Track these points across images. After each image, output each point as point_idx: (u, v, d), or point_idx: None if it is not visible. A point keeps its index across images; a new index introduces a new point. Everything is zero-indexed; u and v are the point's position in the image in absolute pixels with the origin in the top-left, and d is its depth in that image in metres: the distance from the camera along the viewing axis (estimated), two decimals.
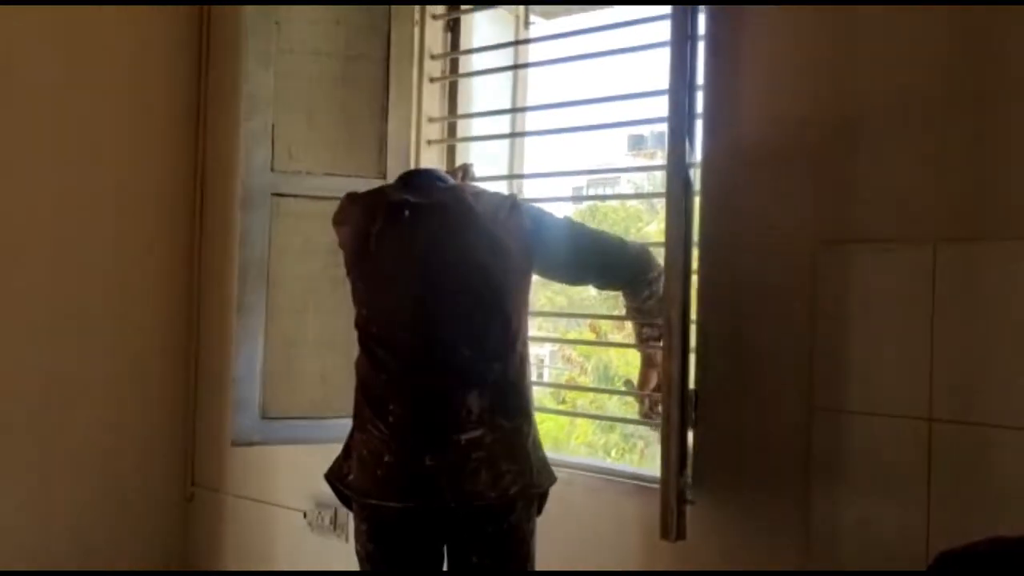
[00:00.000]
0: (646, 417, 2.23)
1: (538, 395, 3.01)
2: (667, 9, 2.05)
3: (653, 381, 2.17)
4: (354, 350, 2.04)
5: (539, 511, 1.96)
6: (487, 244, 1.89)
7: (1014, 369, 1.71)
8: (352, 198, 2.07)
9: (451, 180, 2.09)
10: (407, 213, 1.92)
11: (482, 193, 2.01)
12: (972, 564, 0.75)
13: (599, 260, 2.10)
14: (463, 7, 2.71)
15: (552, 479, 1.96)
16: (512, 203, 1.97)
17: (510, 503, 1.85)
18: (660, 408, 2.08)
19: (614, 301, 3.26)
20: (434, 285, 1.89)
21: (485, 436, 1.83)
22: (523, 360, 1.94)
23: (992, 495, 1.73)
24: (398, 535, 1.91)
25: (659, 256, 2.11)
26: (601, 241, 2.14)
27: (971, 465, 1.76)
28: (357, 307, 2.01)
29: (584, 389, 3.46)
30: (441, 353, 1.87)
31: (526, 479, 1.86)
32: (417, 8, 2.67)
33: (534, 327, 2.49)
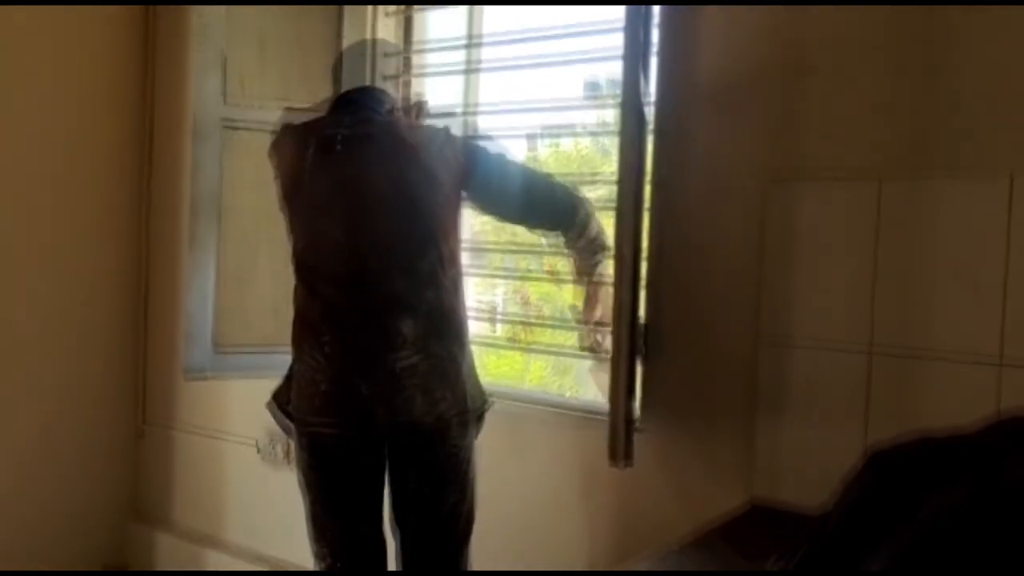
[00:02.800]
0: (590, 350, 2.25)
1: (491, 336, 3.03)
2: None
3: (598, 313, 2.20)
4: None
5: (476, 433, 2.01)
6: (418, 174, 1.93)
7: (952, 302, 1.77)
8: (285, 130, 2.08)
9: (388, 102, 2.10)
10: (339, 146, 1.94)
11: (416, 126, 2.07)
12: (898, 460, 0.79)
13: (525, 199, 2.08)
14: None
15: (486, 402, 2.00)
16: (446, 135, 2.01)
17: (445, 427, 1.89)
18: (607, 343, 2.14)
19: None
20: (366, 216, 1.90)
21: (420, 363, 1.87)
22: (456, 287, 1.97)
23: (926, 424, 1.79)
24: (338, 461, 1.95)
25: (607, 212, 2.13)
26: (530, 180, 2.12)
27: (908, 395, 1.82)
28: (292, 240, 2.03)
29: (530, 323, 3.50)
30: (374, 283, 1.89)
31: (461, 404, 1.91)
32: None
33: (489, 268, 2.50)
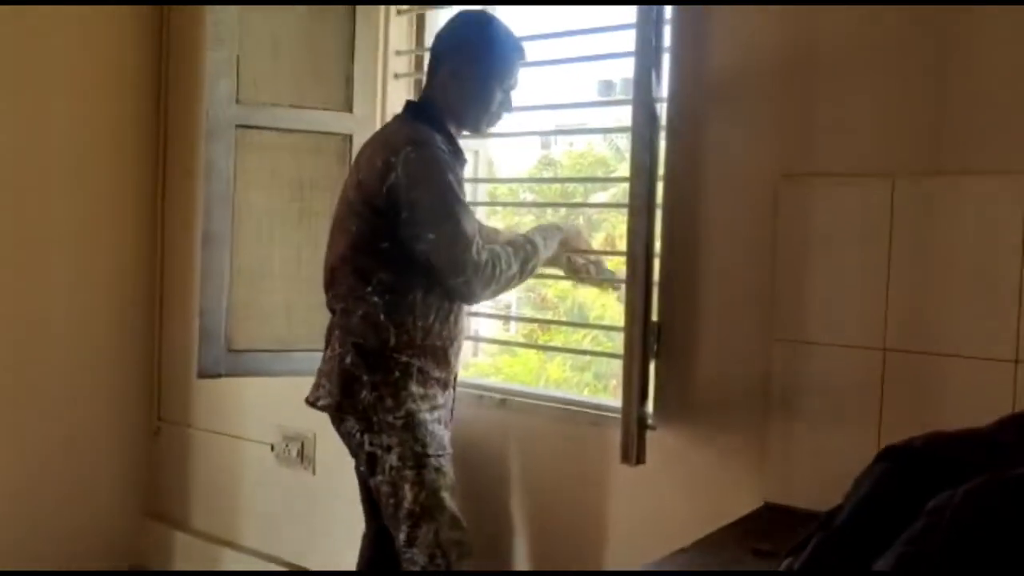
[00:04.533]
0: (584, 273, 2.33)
1: (509, 335, 3.02)
2: None
3: (582, 245, 2.35)
4: (318, 282, 2.19)
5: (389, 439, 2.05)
6: (360, 204, 2.06)
7: (966, 300, 1.75)
8: None
9: (425, 114, 2.13)
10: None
11: (393, 140, 2.06)
12: (910, 455, 0.78)
13: (436, 269, 2.03)
14: None
15: (373, 411, 2.04)
16: (403, 154, 2.00)
17: (333, 417, 2.12)
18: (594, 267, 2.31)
19: None
20: (329, 238, 2.17)
21: (324, 354, 2.15)
22: (377, 309, 2.05)
23: (941, 423, 1.77)
24: None
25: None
26: (443, 259, 2.01)
27: (922, 393, 1.80)
28: None
29: (540, 321, 3.50)
30: (326, 290, 2.18)
31: (334, 399, 2.07)
32: None
33: None
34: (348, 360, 2.06)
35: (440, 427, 2.09)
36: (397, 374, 2.05)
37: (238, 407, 3.02)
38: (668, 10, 2.07)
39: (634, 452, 1.94)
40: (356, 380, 2.05)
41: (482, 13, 2.28)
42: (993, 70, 1.74)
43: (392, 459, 2.04)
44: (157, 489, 3.29)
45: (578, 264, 2.32)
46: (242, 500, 3.05)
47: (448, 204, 2.01)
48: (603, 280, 2.37)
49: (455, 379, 2.22)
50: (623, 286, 2.16)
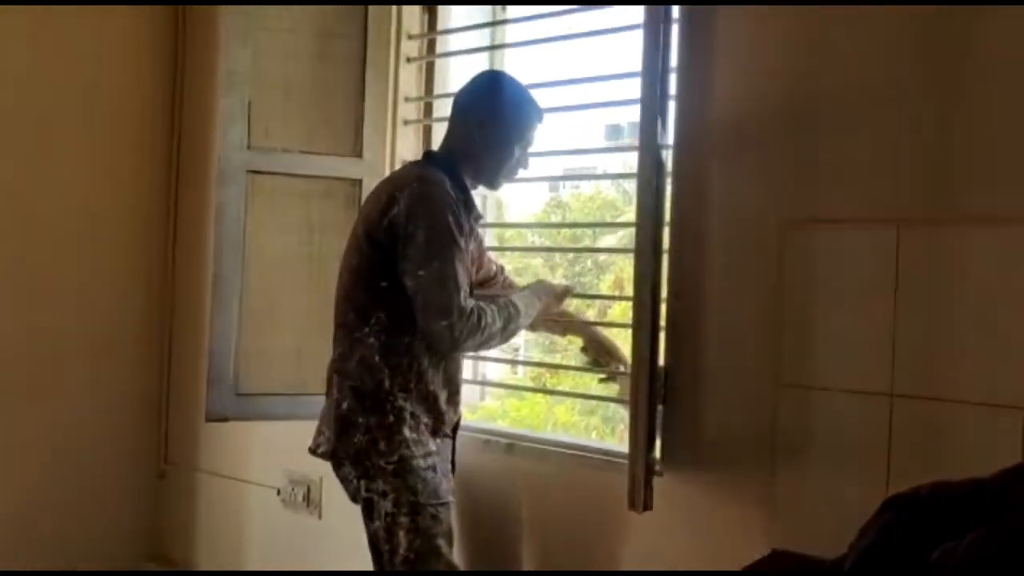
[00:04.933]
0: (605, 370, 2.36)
1: (514, 378, 3.02)
2: None
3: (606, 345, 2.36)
4: (327, 327, 2.19)
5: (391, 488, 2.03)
6: (363, 239, 2.08)
7: (972, 347, 1.76)
8: None
9: (438, 163, 2.16)
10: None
11: (402, 178, 2.13)
12: (913, 505, 0.78)
13: (427, 297, 2.01)
14: None
15: (369, 456, 2.04)
16: (408, 189, 2.04)
17: (332, 462, 2.11)
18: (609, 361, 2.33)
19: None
20: (339, 271, 2.18)
21: (324, 401, 2.16)
22: (372, 351, 2.06)
23: (949, 470, 1.77)
24: None
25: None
26: (428, 306, 2.00)
27: (930, 440, 1.80)
28: None
29: (547, 365, 3.49)
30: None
31: (331, 445, 2.09)
32: None
33: None
34: (345, 405, 2.07)
35: (434, 475, 2.06)
36: (391, 418, 2.04)
37: (245, 451, 3.01)
38: (674, 58, 2.10)
39: (641, 499, 1.93)
40: (352, 424, 2.05)
41: (505, 73, 2.34)
42: (998, 116, 1.75)
43: (387, 505, 2.03)
44: (162, 532, 3.27)
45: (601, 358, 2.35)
46: (248, 544, 3.03)
47: (443, 244, 2.01)
48: (617, 372, 2.36)
49: (455, 429, 2.19)
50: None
